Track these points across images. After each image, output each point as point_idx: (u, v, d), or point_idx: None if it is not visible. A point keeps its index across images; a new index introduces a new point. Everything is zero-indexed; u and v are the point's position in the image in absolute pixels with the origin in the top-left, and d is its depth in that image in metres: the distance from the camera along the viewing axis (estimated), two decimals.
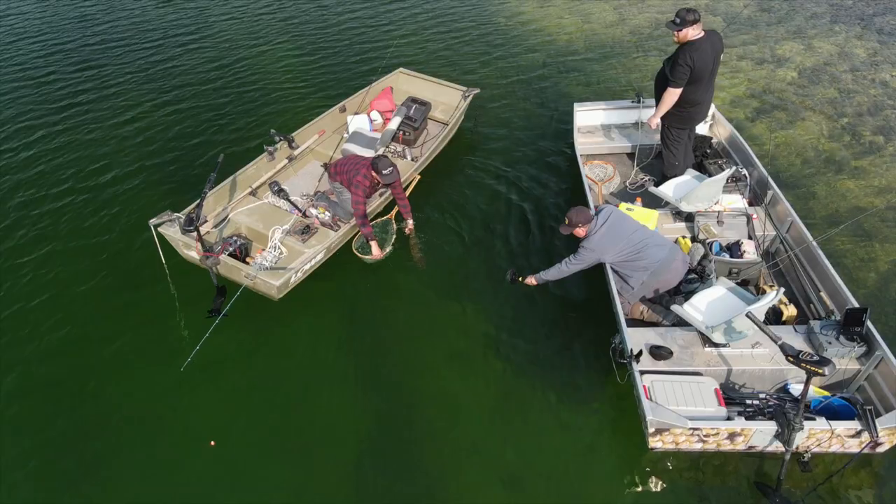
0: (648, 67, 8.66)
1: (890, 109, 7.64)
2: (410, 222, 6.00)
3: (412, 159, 6.75)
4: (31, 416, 4.65)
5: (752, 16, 9.86)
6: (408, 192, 6.26)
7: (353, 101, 7.18)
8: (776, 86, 8.17)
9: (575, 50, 9.12)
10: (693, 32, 5.26)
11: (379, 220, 6.08)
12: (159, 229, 5.35)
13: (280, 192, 6.06)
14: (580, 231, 4.90)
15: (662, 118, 5.73)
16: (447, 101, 7.34)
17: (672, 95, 5.45)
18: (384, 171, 5.38)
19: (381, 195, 6.10)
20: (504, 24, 9.84)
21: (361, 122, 6.88)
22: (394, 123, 6.80)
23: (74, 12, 10.29)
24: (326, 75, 8.59)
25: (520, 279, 5.20)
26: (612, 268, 4.96)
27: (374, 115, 7.06)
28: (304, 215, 5.91)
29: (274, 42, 9.38)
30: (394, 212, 6.15)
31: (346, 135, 6.79)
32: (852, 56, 8.74)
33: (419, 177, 6.54)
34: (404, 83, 7.62)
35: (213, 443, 4.48)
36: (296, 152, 6.57)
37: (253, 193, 6.15)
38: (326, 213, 5.94)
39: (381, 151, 6.57)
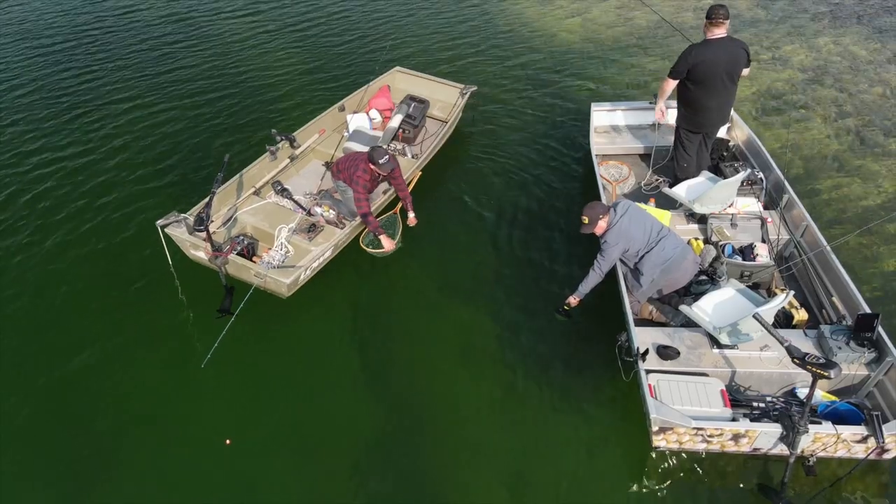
0: (650, 66, 8.81)
1: (894, 110, 7.73)
2: (412, 215, 6.17)
3: (413, 157, 6.96)
4: (41, 416, 4.81)
5: (753, 16, 9.97)
6: (410, 189, 6.45)
7: (351, 100, 7.40)
8: (779, 87, 8.31)
9: (576, 49, 9.29)
10: (712, 31, 5.35)
11: (385, 215, 6.24)
12: (166, 230, 5.50)
13: (283, 192, 6.28)
14: (602, 224, 4.94)
15: (676, 119, 5.86)
16: (445, 98, 7.56)
17: (666, 84, 5.69)
18: (380, 161, 5.57)
19: (384, 192, 6.26)
20: (504, 23, 10.01)
21: (361, 120, 7.09)
22: (395, 122, 7.02)
23: (73, 12, 10.52)
24: (324, 74, 8.81)
25: (566, 307, 5.18)
26: (624, 263, 5.05)
27: (373, 113, 7.29)
28: (309, 214, 6.09)
29: (271, 42, 9.59)
30: (398, 207, 6.32)
31: (346, 133, 6.99)
32: (856, 56, 8.85)
33: (420, 173, 6.71)
34: (401, 81, 7.84)
35: (228, 441, 4.63)
36: (297, 151, 6.77)
37: (257, 193, 6.34)
38: (331, 210, 6.13)
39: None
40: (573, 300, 5.09)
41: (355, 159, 5.78)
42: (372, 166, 5.63)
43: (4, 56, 9.19)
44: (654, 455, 4.44)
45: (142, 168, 7.14)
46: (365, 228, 6.00)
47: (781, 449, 4.16)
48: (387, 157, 5.59)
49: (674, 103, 6.08)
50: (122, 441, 4.64)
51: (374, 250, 5.88)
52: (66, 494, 4.38)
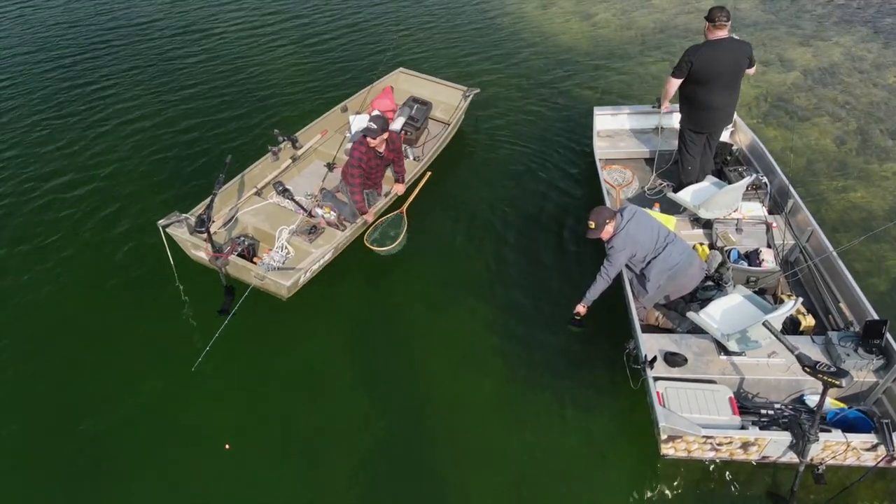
0: (655, 69, 8.81)
1: None
2: (399, 187, 6.26)
3: (415, 158, 6.97)
4: (36, 419, 4.75)
5: (757, 18, 9.99)
6: (418, 188, 6.44)
7: (354, 101, 7.39)
8: (783, 90, 8.32)
9: (580, 53, 9.28)
10: (714, 33, 5.37)
11: (390, 214, 6.22)
12: (167, 230, 5.47)
13: (285, 193, 6.27)
14: (609, 229, 4.91)
15: (680, 120, 5.90)
16: (447, 100, 7.56)
17: (670, 84, 5.72)
18: (372, 126, 5.65)
19: (385, 195, 6.27)
20: (509, 27, 10.00)
21: (364, 121, 7.05)
22: (397, 123, 7.02)
23: (74, 14, 10.45)
24: (327, 75, 8.78)
25: (576, 317, 5.11)
26: (630, 269, 5.03)
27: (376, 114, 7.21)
28: (310, 215, 6.07)
29: (274, 42, 9.55)
30: (405, 206, 6.29)
31: (348, 134, 6.98)
32: (861, 58, 8.88)
33: (430, 173, 6.69)
34: (404, 83, 7.83)
35: (227, 446, 4.58)
36: (299, 152, 6.74)
37: (258, 193, 6.32)
38: (332, 212, 6.12)
39: None
40: (581, 308, 5.06)
41: (351, 149, 5.87)
42: (370, 139, 5.68)
43: (14, 67, 9.05)
44: (662, 463, 4.41)
45: (143, 168, 7.08)
46: (370, 225, 6.03)
47: (791, 457, 4.15)
48: (382, 119, 5.69)
49: (678, 105, 6.08)
50: (121, 445, 4.59)
51: (378, 248, 5.88)
52: (59, 496, 4.32)
